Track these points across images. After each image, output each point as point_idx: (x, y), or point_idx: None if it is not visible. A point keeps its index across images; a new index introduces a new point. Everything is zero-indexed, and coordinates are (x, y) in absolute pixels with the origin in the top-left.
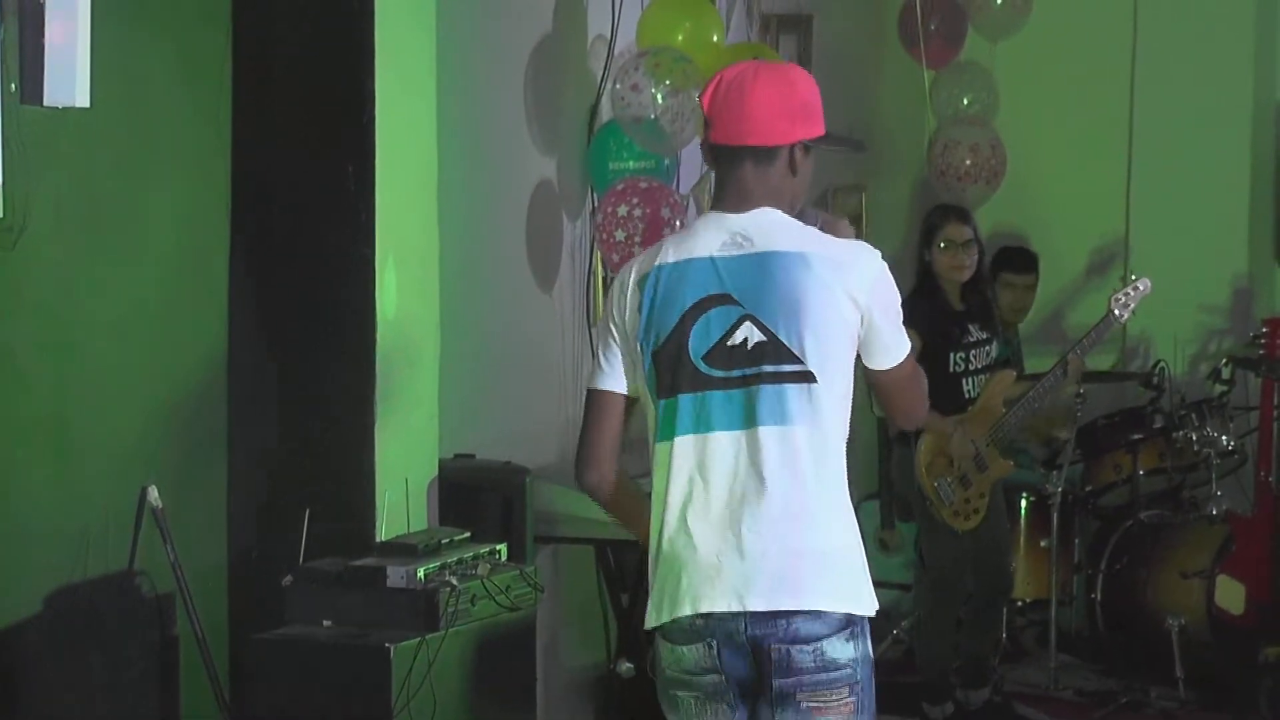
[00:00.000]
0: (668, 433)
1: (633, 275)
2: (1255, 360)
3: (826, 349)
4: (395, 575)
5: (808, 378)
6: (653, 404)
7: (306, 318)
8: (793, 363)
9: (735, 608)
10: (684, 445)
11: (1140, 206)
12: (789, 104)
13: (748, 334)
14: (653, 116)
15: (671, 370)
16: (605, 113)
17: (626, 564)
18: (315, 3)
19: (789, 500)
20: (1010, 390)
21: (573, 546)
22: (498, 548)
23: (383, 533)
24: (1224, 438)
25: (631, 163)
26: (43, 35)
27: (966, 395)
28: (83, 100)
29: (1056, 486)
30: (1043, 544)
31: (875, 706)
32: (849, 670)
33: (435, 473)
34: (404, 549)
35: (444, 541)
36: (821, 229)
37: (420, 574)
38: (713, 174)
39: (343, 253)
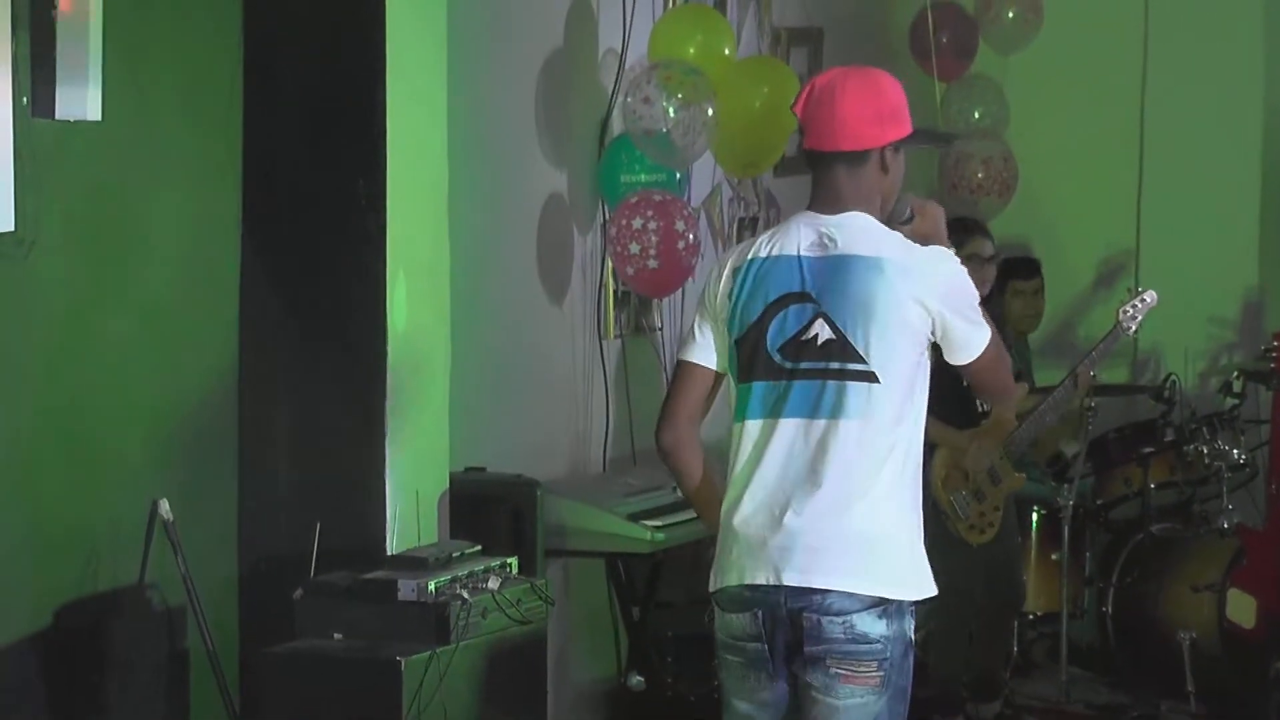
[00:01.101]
0: (740, 415)
1: (729, 264)
2: (1266, 373)
3: (890, 351)
4: (406, 588)
5: (869, 377)
6: (734, 387)
7: (317, 330)
8: (857, 362)
9: (773, 581)
10: (752, 428)
11: (1151, 219)
12: (878, 108)
13: (819, 330)
14: (664, 130)
15: (750, 357)
16: (616, 126)
17: (637, 577)
18: (325, 15)
19: (834, 487)
20: (1023, 403)
21: (583, 560)
22: (508, 561)
23: (393, 546)
24: (1235, 451)
25: (643, 176)
26: (54, 49)
27: (980, 409)
28: (94, 114)
29: (1067, 500)
30: (1053, 557)
31: (909, 688)
32: (880, 645)
33: (446, 485)
34: (415, 562)
35: (455, 555)
36: (913, 213)
37: (431, 587)
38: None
39: (353, 265)
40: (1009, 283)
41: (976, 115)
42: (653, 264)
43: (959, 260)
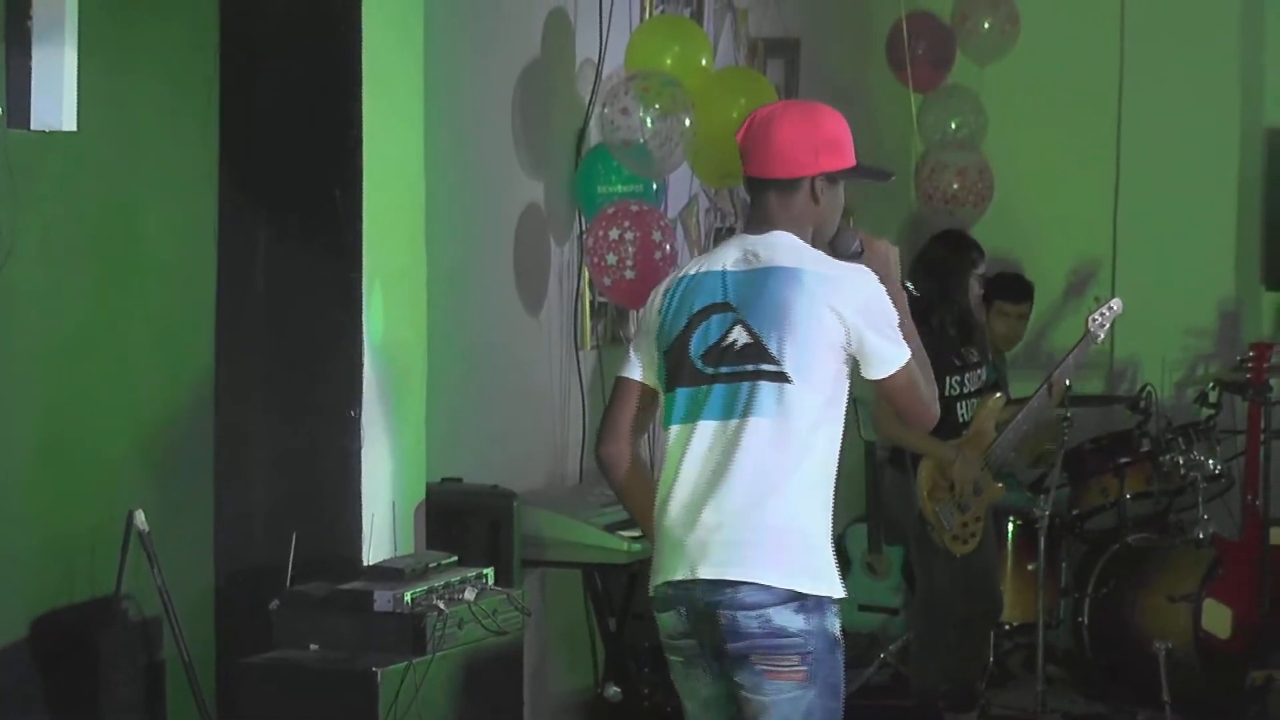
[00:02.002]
0: (666, 422)
1: (662, 286)
2: (1242, 384)
3: (803, 355)
4: (382, 599)
5: (782, 378)
6: (662, 397)
7: (294, 341)
8: (770, 363)
9: (690, 576)
10: (675, 432)
11: (1127, 230)
12: (812, 139)
13: (737, 336)
14: (641, 140)
15: (676, 367)
16: (593, 136)
17: (614, 588)
18: (302, 25)
19: (749, 484)
20: (1001, 414)
21: (560, 570)
22: (485, 572)
23: (369, 556)
24: (1211, 461)
25: (620, 186)
26: (30, 58)
27: (961, 419)
28: (70, 123)
29: (1044, 510)
30: (1030, 567)
31: (840, 685)
32: (799, 639)
33: (422, 496)
34: (391, 573)
35: (431, 565)
36: (862, 246)
37: (407, 598)
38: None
39: (330, 276)
40: (995, 301)
41: (954, 126)
42: (630, 274)
43: (878, 283)
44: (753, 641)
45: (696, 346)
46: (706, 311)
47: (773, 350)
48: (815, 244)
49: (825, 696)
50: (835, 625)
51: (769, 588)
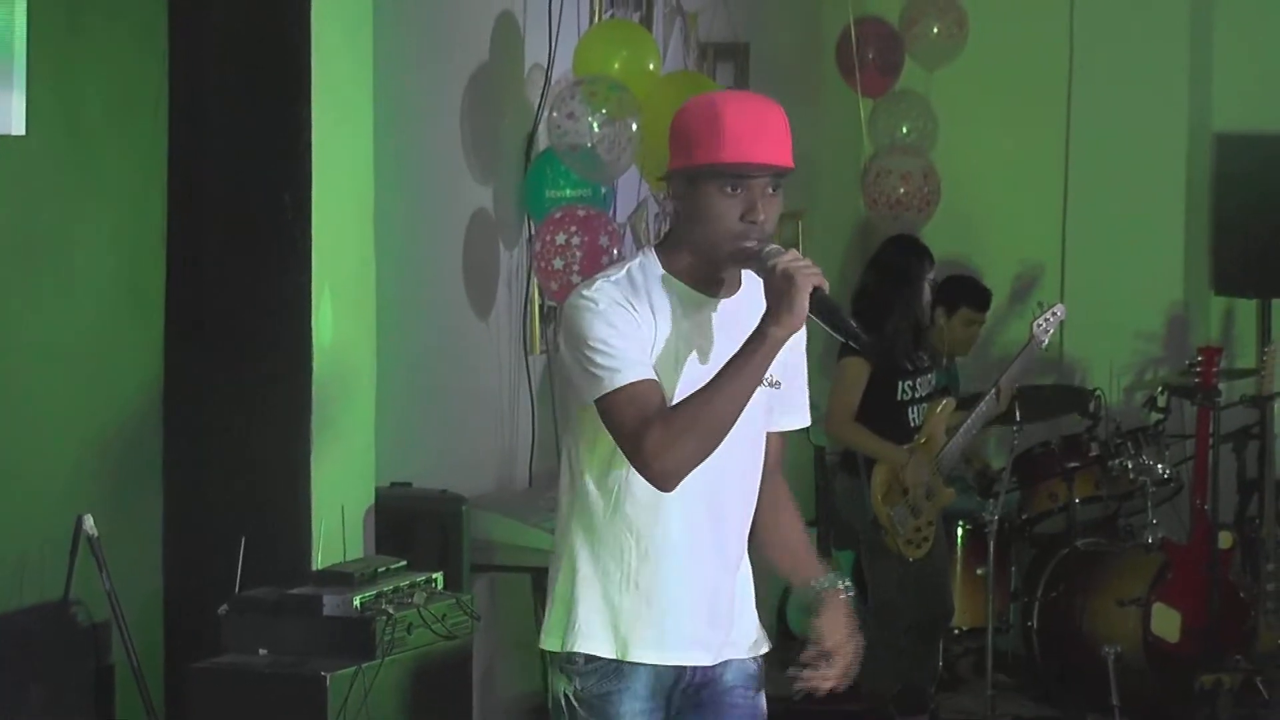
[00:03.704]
0: None
1: None
2: (1190, 388)
3: (559, 400)
4: (331, 604)
5: None
6: None
7: (242, 346)
8: None
9: None
10: None
11: (1076, 235)
12: (670, 131)
13: None
14: (589, 145)
15: None
16: (542, 141)
17: None
18: (251, 30)
19: None
20: (951, 419)
21: (509, 575)
22: (434, 576)
23: (319, 561)
24: (1159, 466)
25: (568, 191)
26: None
27: (912, 423)
28: (18, 127)
29: (993, 514)
30: (979, 571)
31: None
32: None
33: (371, 501)
34: (340, 577)
35: (380, 570)
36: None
37: (356, 602)
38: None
39: (278, 281)
40: (961, 308)
41: (904, 130)
42: (576, 279)
43: (584, 301)
44: None
45: None
46: None
47: None
48: (713, 255)
49: None
50: (560, 685)
51: None
